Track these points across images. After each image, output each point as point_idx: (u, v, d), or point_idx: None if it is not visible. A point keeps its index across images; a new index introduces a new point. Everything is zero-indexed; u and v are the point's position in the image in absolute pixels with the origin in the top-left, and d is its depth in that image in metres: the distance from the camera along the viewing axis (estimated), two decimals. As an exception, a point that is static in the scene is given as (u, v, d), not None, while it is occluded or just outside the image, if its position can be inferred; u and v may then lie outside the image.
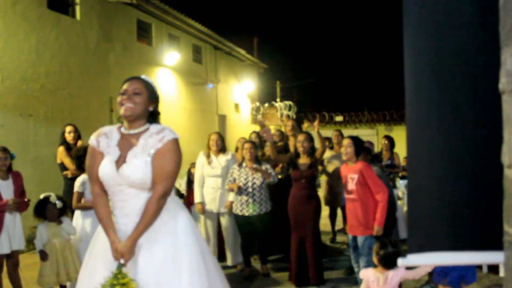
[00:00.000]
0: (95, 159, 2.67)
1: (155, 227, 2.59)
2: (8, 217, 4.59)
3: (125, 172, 2.57)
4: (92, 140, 2.73)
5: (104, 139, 2.69)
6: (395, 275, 3.60)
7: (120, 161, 2.62)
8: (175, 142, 2.64)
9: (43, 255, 4.53)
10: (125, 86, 2.66)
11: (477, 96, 1.32)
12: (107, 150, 2.66)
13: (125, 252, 2.51)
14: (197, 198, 6.11)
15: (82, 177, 4.94)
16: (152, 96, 2.71)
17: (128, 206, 2.62)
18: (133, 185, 2.59)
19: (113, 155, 2.64)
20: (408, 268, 3.60)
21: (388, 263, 3.64)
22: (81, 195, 4.90)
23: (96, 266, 2.65)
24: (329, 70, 29.08)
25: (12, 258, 4.68)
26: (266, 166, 5.83)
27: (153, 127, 2.67)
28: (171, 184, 2.65)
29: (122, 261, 2.52)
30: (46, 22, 8.54)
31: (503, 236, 1.22)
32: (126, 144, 2.66)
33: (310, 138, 5.62)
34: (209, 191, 6.09)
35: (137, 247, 2.56)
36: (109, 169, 2.60)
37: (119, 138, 2.69)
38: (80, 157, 5.02)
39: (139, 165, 2.57)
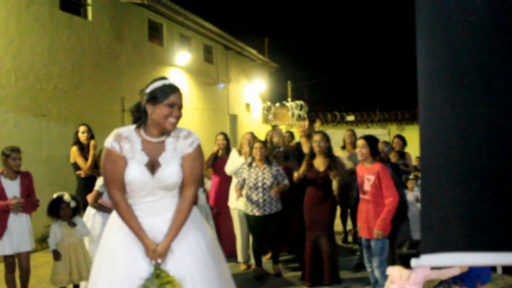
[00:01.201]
0: (118, 164, 2.63)
1: None
2: (12, 218, 4.52)
3: (162, 176, 2.63)
4: (112, 144, 2.63)
5: (126, 144, 2.64)
6: (420, 272, 3.57)
7: (149, 166, 2.64)
8: (200, 147, 2.77)
9: (56, 255, 4.56)
10: (174, 99, 2.62)
11: (492, 95, 1.31)
12: (130, 155, 2.63)
13: (164, 253, 2.59)
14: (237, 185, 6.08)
15: None
16: None
17: (156, 206, 2.68)
18: (166, 187, 2.66)
19: (141, 160, 2.64)
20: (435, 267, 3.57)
21: (405, 262, 3.61)
22: (100, 195, 4.92)
23: (105, 265, 2.66)
24: (341, 70, 29.01)
25: (21, 261, 4.65)
26: (277, 168, 5.82)
27: (176, 131, 2.73)
28: (199, 186, 2.86)
29: (159, 261, 2.57)
30: (59, 23, 8.61)
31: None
32: (152, 149, 2.67)
33: (326, 138, 5.56)
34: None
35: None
36: (142, 174, 2.61)
37: (141, 142, 2.67)
38: None
39: (175, 169, 2.66)
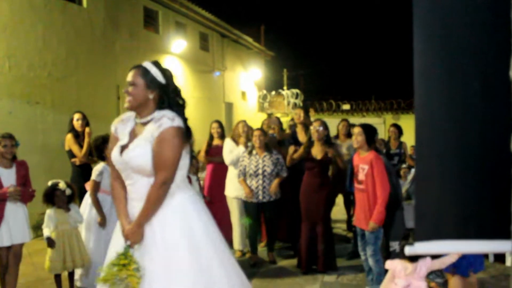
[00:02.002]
0: (112, 144, 2.77)
1: None
2: (9, 208, 4.34)
3: (126, 158, 2.65)
4: (112, 126, 2.82)
5: (121, 125, 2.78)
6: (423, 265, 3.58)
7: (125, 148, 2.69)
8: (173, 130, 2.60)
9: (50, 242, 4.54)
10: (127, 78, 2.72)
11: (487, 84, 1.31)
12: (121, 136, 2.74)
13: (129, 235, 2.59)
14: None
15: (102, 166, 4.92)
16: (151, 84, 2.68)
17: (134, 190, 2.70)
18: (134, 170, 2.65)
19: (123, 140, 2.71)
20: (434, 257, 3.58)
21: (410, 256, 3.61)
22: (97, 184, 4.89)
23: (111, 246, 2.77)
24: (337, 59, 28.94)
25: (15, 250, 4.46)
26: (277, 156, 5.85)
27: (157, 114, 2.68)
28: (171, 172, 2.63)
29: (128, 242, 2.59)
30: (53, 10, 8.53)
31: (511, 225, 1.22)
32: (136, 132, 2.73)
33: (325, 126, 5.55)
34: (236, 178, 6.10)
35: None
36: (115, 154, 2.69)
37: (133, 126, 2.76)
38: (99, 146, 5.02)
39: (139, 151, 2.62)
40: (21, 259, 4.56)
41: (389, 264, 3.73)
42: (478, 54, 1.32)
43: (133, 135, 2.72)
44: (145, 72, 2.68)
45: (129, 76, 2.68)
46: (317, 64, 26.52)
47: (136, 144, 2.65)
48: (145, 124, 2.70)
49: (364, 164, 4.66)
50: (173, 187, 2.68)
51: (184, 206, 2.72)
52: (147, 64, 2.72)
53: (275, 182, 5.78)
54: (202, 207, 2.85)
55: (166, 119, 2.61)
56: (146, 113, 2.69)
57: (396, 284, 3.59)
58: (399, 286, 3.57)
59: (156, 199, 2.59)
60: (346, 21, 31.21)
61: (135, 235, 2.58)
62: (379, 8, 29.81)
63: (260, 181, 5.77)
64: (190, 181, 5.99)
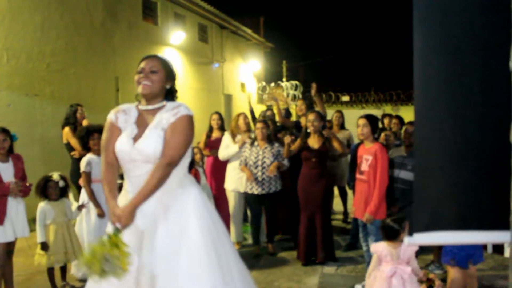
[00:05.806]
0: (113, 133, 2.74)
1: (170, 201, 2.64)
2: (10, 202, 4.31)
3: (140, 146, 2.63)
4: (110, 115, 2.80)
5: (122, 115, 2.77)
6: (407, 249, 3.57)
7: (137, 137, 2.68)
8: (188, 118, 2.69)
9: (45, 247, 4.51)
10: (142, 65, 2.72)
11: (486, 74, 1.31)
12: (124, 126, 2.73)
13: (122, 217, 2.54)
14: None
15: (88, 157, 4.93)
16: (169, 75, 2.78)
17: (142, 181, 2.63)
18: (147, 159, 2.63)
19: (131, 131, 2.70)
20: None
21: (387, 235, 3.62)
22: (88, 175, 4.89)
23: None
24: (336, 50, 28.84)
25: (12, 245, 4.45)
26: (278, 149, 5.85)
27: (170, 104, 2.75)
28: (179, 154, 2.65)
29: (118, 225, 2.53)
30: (51, 1, 8.48)
31: (510, 216, 1.22)
32: (143, 121, 2.74)
33: (320, 117, 5.57)
34: (236, 171, 6.13)
35: (155, 220, 2.60)
36: (125, 145, 2.66)
37: (137, 116, 2.77)
38: (83, 137, 5.01)
39: (152, 138, 2.63)
40: (13, 252, 4.54)
41: (375, 247, 3.71)
42: (478, 46, 1.31)
43: (141, 125, 2.72)
44: (164, 63, 2.78)
45: (149, 63, 2.72)
46: (316, 55, 26.45)
47: (148, 133, 2.66)
48: (152, 112, 2.73)
49: (368, 155, 4.67)
50: (185, 179, 2.76)
51: (202, 196, 2.79)
52: (163, 57, 2.84)
53: (274, 164, 5.76)
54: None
55: (184, 108, 2.71)
56: (155, 101, 2.75)
57: (383, 271, 3.54)
58: (386, 273, 3.52)
59: (159, 179, 2.57)
60: (345, 13, 31.10)
61: (127, 217, 2.54)
62: (379, 0, 29.68)
63: (260, 172, 5.79)
64: (198, 173, 6.01)
